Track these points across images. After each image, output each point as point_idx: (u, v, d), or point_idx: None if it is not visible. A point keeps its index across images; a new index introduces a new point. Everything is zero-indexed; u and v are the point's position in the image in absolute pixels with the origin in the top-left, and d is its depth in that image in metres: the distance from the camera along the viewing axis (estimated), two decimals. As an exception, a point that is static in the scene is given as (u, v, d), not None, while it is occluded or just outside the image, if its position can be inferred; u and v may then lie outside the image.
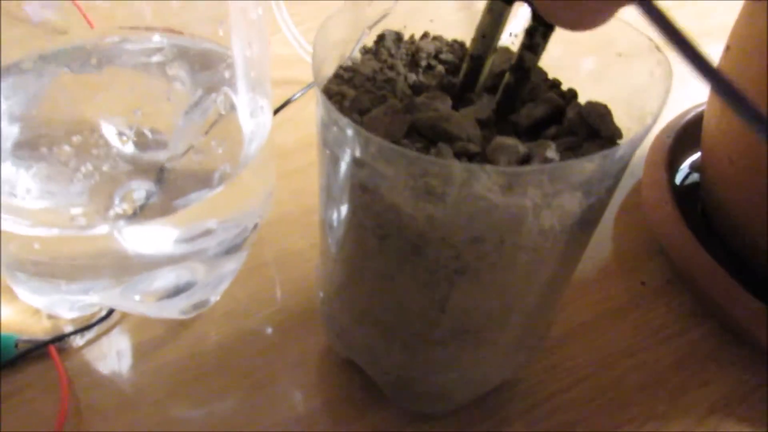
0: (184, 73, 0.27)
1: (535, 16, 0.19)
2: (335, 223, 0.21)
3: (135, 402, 0.26)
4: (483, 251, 0.18)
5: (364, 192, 0.18)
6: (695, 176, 0.37)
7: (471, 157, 0.18)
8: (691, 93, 0.36)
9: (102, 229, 0.23)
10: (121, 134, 0.26)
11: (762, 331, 0.28)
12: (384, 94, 0.20)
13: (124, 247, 0.25)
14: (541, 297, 0.21)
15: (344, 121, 0.17)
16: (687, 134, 0.35)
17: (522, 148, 0.18)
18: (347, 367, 0.28)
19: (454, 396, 0.24)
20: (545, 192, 0.16)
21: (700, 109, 0.36)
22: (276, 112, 0.40)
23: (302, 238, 0.33)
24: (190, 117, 0.27)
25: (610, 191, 0.19)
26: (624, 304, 0.32)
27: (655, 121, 0.18)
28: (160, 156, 0.27)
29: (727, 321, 0.30)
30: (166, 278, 0.27)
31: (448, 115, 0.19)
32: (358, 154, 0.17)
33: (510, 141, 0.18)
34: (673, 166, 0.35)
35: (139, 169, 0.26)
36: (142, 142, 0.26)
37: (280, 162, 0.34)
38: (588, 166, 0.16)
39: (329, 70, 0.21)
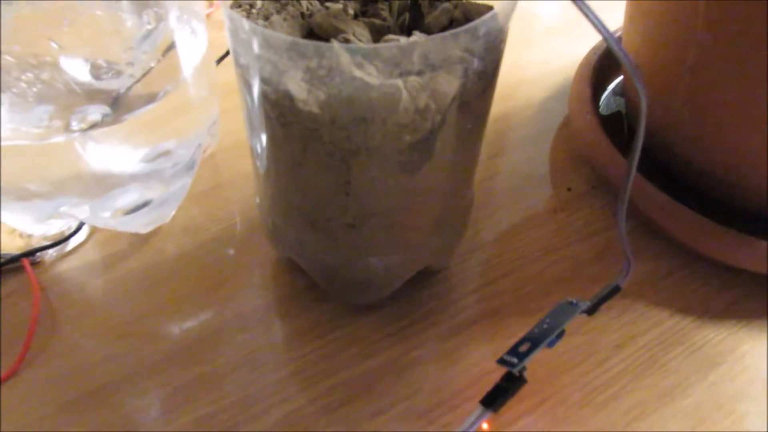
0: (130, 5, 0.30)
1: None
2: (259, 137, 0.23)
3: (100, 306, 0.30)
4: (369, 132, 0.20)
5: (264, 84, 0.20)
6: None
7: None
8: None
9: (58, 138, 0.26)
10: (78, 66, 0.28)
11: (670, 222, 0.30)
12: (287, 2, 0.22)
13: (89, 166, 0.28)
14: (441, 179, 0.24)
15: (235, 16, 0.19)
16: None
17: (405, 41, 0.21)
18: (294, 270, 0.31)
19: (377, 283, 0.27)
20: (415, 72, 0.19)
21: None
22: (222, 59, 0.41)
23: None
24: (142, 46, 0.30)
25: (484, 76, 0.21)
26: (551, 208, 0.34)
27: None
28: (114, 85, 0.29)
29: (642, 217, 0.32)
30: (129, 196, 0.31)
31: (336, 13, 0.21)
32: (256, 50, 0.20)
33: (396, 37, 0.21)
34: (599, 85, 0.37)
35: (95, 97, 0.29)
36: (98, 73, 0.29)
37: (231, 97, 0.36)
38: (431, 43, 0.19)
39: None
